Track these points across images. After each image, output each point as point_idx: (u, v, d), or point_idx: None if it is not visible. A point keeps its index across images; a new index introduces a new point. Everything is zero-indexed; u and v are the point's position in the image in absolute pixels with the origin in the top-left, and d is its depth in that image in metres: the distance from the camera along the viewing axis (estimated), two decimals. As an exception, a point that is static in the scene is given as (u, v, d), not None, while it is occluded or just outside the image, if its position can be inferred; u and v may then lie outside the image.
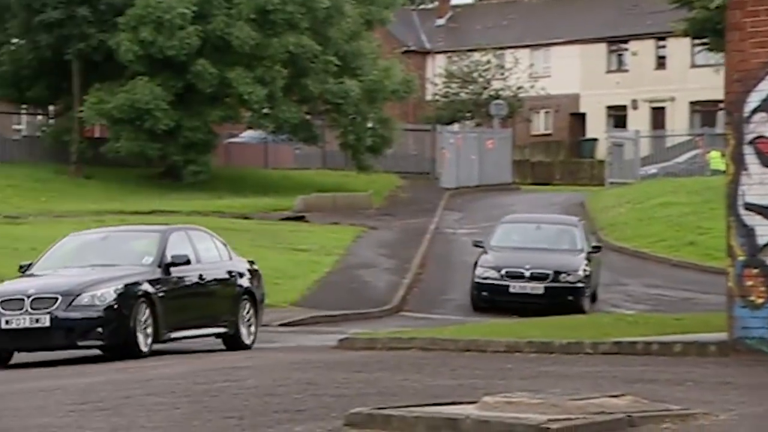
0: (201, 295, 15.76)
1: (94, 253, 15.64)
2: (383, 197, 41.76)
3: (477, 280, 22.32)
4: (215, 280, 16.01)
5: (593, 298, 23.31)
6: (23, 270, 15.67)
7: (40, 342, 14.44)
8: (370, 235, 32.14)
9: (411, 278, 25.75)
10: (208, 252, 16.10)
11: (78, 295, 14.38)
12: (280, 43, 40.45)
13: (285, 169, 47.38)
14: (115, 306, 14.41)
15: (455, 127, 55.84)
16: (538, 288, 22.04)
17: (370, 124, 43.77)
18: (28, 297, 14.42)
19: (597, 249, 23.67)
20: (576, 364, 12.48)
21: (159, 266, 15.19)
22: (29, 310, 14.35)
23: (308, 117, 44.07)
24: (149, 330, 14.68)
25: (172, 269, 15.25)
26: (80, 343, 14.46)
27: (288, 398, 9.77)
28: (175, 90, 40.06)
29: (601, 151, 54.99)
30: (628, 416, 8.09)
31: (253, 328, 16.34)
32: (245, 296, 16.27)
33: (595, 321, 17.49)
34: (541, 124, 64.82)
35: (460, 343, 14.09)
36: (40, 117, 45.89)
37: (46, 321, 14.31)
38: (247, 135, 49.45)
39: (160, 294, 14.94)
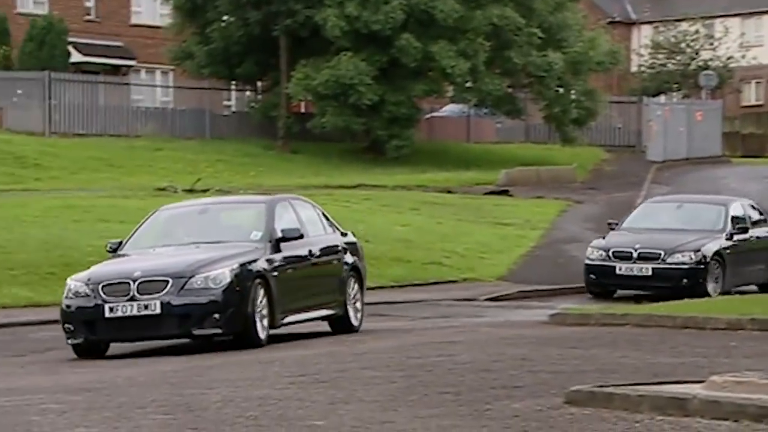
0: (311, 274, 14.11)
1: (193, 229, 13.92)
2: (588, 171, 41.12)
3: (586, 261, 21.16)
4: (323, 256, 14.33)
5: (762, 286, 21.36)
6: (113, 250, 13.83)
7: (149, 331, 12.83)
8: (575, 209, 31.69)
9: (619, 253, 25.18)
10: (312, 225, 14.43)
11: (191, 278, 12.72)
12: (483, 15, 40.18)
13: (487, 143, 47.15)
14: (235, 289, 12.76)
15: (662, 98, 54.52)
16: (646, 269, 20.42)
17: (574, 96, 43.13)
18: (135, 281, 12.73)
19: (742, 230, 21.17)
20: (804, 343, 11.95)
21: (269, 242, 13.51)
22: (136, 295, 12.69)
23: (511, 90, 43.72)
24: (265, 314, 13.08)
25: (282, 245, 13.58)
26: (196, 332, 12.84)
27: (504, 374, 9.63)
28: (379, 65, 40.25)
29: (817, 122, 52.79)
30: None
31: (359, 306, 14.78)
32: (352, 273, 14.68)
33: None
34: (752, 94, 62.66)
35: (678, 320, 13.70)
36: (248, 93, 46.79)
37: (156, 308, 12.64)
38: (448, 109, 49.40)
39: (274, 274, 13.26)
